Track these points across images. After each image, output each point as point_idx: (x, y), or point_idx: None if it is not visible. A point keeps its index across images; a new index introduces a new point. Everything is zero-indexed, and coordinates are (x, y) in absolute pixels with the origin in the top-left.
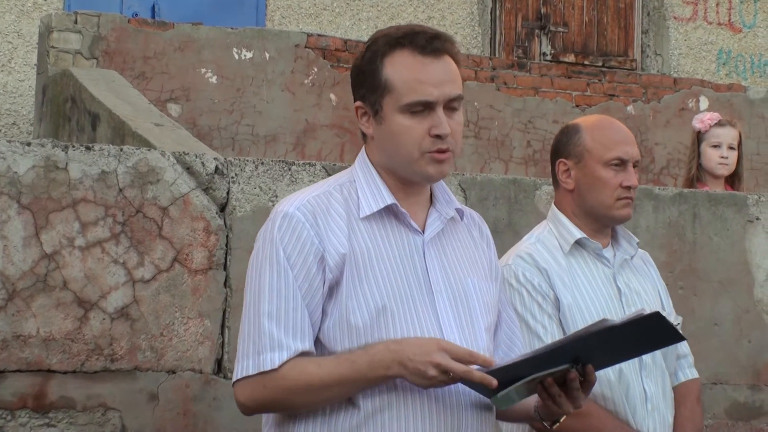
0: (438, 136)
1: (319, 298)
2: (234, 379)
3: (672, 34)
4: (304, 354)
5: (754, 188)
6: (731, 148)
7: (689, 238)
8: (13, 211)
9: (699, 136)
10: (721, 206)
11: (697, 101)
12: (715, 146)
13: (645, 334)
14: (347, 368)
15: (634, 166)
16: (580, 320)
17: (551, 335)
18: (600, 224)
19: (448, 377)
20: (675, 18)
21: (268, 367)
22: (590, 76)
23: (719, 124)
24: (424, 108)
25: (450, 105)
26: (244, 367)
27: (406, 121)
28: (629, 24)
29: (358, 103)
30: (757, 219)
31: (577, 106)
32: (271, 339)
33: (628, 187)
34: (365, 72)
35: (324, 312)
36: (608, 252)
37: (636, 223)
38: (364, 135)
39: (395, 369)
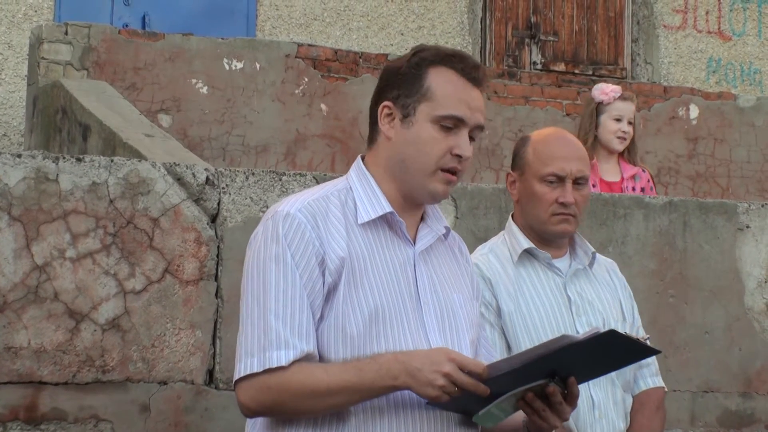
0: (459, 156)
1: (320, 302)
2: (237, 376)
3: (662, 43)
4: (308, 356)
5: (745, 196)
6: (629, 122)
7: (680, 246)
8: (3, 223)
9: (599, 108)
10: (712, 214)
11: (687, 109)
12: (616, 120)
13: (612, 349)
14: (354, 376)
15: (579, 183)
16: (522, 328)
17: (493, 344)
18: (543, 237)
19: (455, 389)
20: (665, 26)
21: (275, 365)
22: (580, 85)
23: (622, 97)
24: (454, 126)
25: (472, 133)
26: (248, 364)
27: (434, 133)
28: (619, 33)
29: (388, 102)
30: (747, 227)
31: (568, 114)
32: (278, 337)
33: (564, 204)
34: (406, 74)
35: (320, 315)
36: (563, 262)
37: (626, 232)
38: (372, 139)
39: (403, 379)
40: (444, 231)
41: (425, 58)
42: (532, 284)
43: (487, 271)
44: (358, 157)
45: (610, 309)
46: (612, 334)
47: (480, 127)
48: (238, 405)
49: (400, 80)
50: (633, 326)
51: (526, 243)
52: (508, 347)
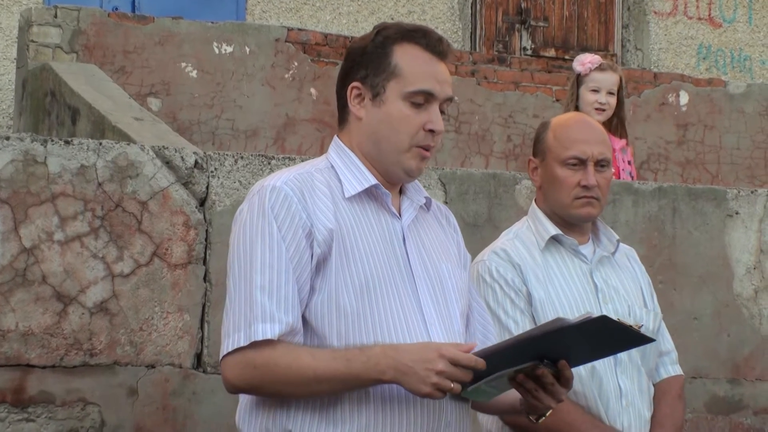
0: (432, 131)
1: (307, 274)
2: (224, 352)
3: (652, 29)
4: (293, 329)
5: (734, 183)
6: (610, 93)
7: (669, 232)
8: None
9: (579, 79)
10: (701, 200)
11: (677, 96)
12: (593, 91)
13: (605, 335)
14: (342, 365)
15: (601, 166)
16: (553, 315)
17: (523, 330)
18: (567, 222)
19: (450, 385)
20: (655, 13)
21: (260, 337)
22: (570, 71)
23: (600, 68)
24: (425, 101)
25: (442, 107)
26: (234, 340)
27: (405, 110)
28: (609, 19)
29: (356, 83)
30: (737, 213)
31: (558, 100)
32: (263, 311)
33: (587, 186)
34: (371, 53)
35: (312, 288)
36: (587, 248)
37: (615, 218)
38: (342, 120)
39: (391, 374)
40: (423, 201)
41: (389, 35)
42: (560, 271)
43: (516, 257)
44: (335, 137)
45: (633, 296)
46: (604, 319)
47: (449, 99)
48: (223, 381)
49: (367, 60)
50: (654, 313)
51: (553, 229)
52: None
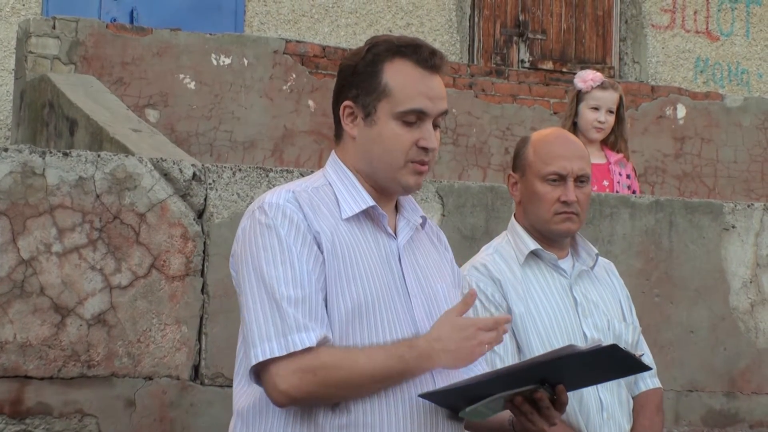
0: (425, 149)
1: (324, 278)
2: (256, 360)
3: (650, 42)
4: (325, 339)
5: (731, 196)
6: (610, 111)
7: (665, 245)
8: None
9: (579, 96)
10: (698, 214)
11: (675, 109)
12: (594, 108)
13: (608, 362)
14: (397, 362)
15: (580, 181)
16: (533, 330)
17: (503, 345)
18: (546, 237)
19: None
20: (653, 26)
21: (299, 348)
22: (568, 84)
23: (601, 86)
24: (417, 119)
25: (436, 121)
26: (267, 349)
27: (397, 129)
28: (607, 32)
29: (348, 102)
30: (733, 227)
31: (555, 113)
32: (296, 322)
33: (567, 202)
34: (362, 73)
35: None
36: (566, 263)
37: (612, 231)
38: (338, 136)
39: (442, 360)
40: (420, 221)
41: (379, 53)
42: (539, 286)
43: (496, 272)
44: (333, 153)
45: (612, 310)
46: (613, 348)
47: (444, 113)
48: (274, 394)
49: (358, 79)
50: (633, 327)
51: (532, 244)
52: (518, 349)
